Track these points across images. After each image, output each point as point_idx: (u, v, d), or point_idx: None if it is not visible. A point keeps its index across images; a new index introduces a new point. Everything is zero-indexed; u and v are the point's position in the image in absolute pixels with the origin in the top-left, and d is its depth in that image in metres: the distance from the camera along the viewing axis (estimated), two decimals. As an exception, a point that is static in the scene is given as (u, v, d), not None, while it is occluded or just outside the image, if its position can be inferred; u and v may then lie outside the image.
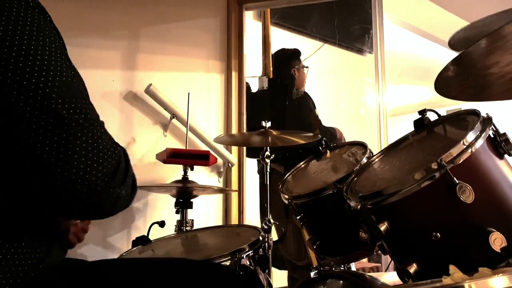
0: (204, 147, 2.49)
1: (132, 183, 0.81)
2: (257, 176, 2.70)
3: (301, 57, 2.96)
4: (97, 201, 0.73)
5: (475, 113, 0.99)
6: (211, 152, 2.52)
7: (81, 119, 0.70)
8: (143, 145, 2.23)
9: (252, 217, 2.76)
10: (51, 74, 0.68)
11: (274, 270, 2.52)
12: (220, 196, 2.64)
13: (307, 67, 2.88)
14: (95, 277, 0.84)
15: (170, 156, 1.93)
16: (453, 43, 1.32)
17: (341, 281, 1.29)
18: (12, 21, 0.66)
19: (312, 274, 1.40)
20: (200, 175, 2.43)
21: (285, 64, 2.89)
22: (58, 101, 0.67)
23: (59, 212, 0.77)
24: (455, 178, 0.83)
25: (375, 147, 2.90)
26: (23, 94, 0.65)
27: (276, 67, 2.94)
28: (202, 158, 1.94)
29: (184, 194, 1.97)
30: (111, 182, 0.73)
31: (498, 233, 0.82)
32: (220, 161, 2.63)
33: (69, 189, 0.69)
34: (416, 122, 1.14)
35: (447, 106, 3.85)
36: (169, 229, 1.89)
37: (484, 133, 0.89)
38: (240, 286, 1.00)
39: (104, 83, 2.15)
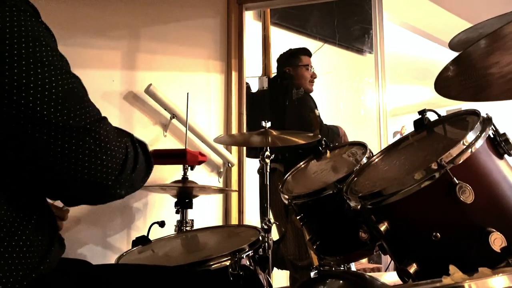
0: (204, 147, 2.49)
1: (147, 164, 0.84)
2: (257, 176, 2.70)
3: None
4: (109, 194, 0.76)
5: (475, 113, 0.99)
6: (211, 151, 2.53)
7: (81, 124, 0.70)
8: (143, 145, 2.23)
9: (252, 217, 2.76)
10: (46, 87, 0.67)
11: (274, 270, 2.52)
12: (220, 196, 2.64)
13: (307, 65, 2.84)
14: (96, 281, 0.85)
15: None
16: (453, 45, 1.32)
17: (341, 281, 1.30)
18: None
19: (312, 274, 1.40)
20: (200, 175, 2.43)
21: (281, 64, 2.90)
22: (55, 111, 0.68)
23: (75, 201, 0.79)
24: (455, 178, 0.83)
25: (375, 147, 2.90)
26: (15, 110, 0.65)
27: (277, 67, 2.95)
28: (179, 157, 1.92)
29: (184, 194, 1.97)
30: (121, 175, 0.75)
31: (498, 233, 0.82)
32: (220, 161, 2.63)
33: (78, 189, 0.73)
34: (416, 122, 1.14)
35: (447, 106, 3.86)
36: (169, 229, 1.89)
37: (484, 133, 0.89)
38: None
39: (104, 83, 2.15)
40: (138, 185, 0.84)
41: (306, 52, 2.89)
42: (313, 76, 2.86)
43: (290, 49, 2.93)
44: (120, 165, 0.75)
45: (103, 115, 0.77)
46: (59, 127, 0.68)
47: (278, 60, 2.94)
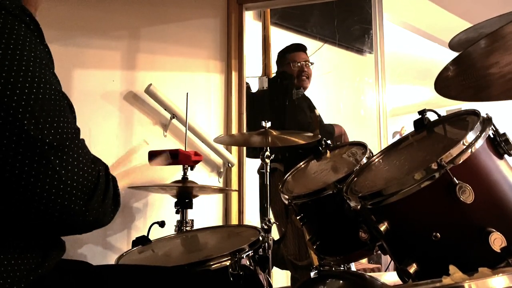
0: (204, 147, 2.49)
1: (114, 200, 0.79)
2: (257, 176, 2.70)
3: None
4: (72, 223, 0.71)
5: (475, 113, 0.99)
6: (211, 151, 2.53)
7: (55, 141, 0.67)
8: (143, 145, 2.23)
9: (252, 217, 2.76)
10: (25, 92, 0.64)
11: (275, 270, 2.52)
12: (220, 196, 2.64)
13: (291, 62, 2.77)
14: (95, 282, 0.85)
15: (150, 158, 1.92)
16: (453, 45, 1.32)
17: (341, 281, 1.30)
18: None
19: (312, 274, 1.40)
20: (200, 175, 2.43)
21: (277, 65, 2.88)
22: (30, 122, 0.64)
23: (38, 229, 0.74)
24: (455, 178, 0.83)
25: (375, 147, 2.90)
26: None
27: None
28: (172, 158, 1.92)
29: (184, 194, 1.97)
30: (87, 205, 0.70)
31: (498, 233, 0.82)
32: (220, 161, 2.63)
33: (42, 211, 0.67)
34: (416, 122, 1.14)
35: (447, 106, 3.86)
36: (169, 229, 1.89)
37: (484, 133, 0.89)
38: None
39: (104, 83, 2.15)
40: (106, 219, 0.78)
41: (293, 49, 2.83)
42: (301, 69, 2.75)
43: (283, 47, 2.92)
44: (89, 191, 0.71)
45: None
46: (21, 138, 0.64)
47: (276, 62, 2.94)
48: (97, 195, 0.72)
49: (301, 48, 2.85)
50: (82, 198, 0.70)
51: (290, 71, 2.77)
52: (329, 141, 1.64)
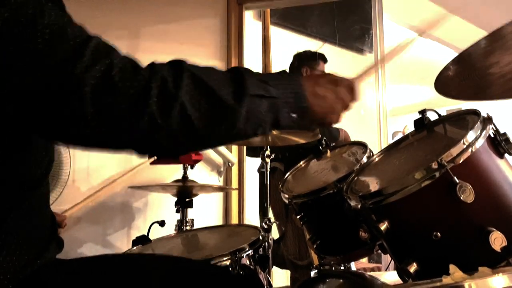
0: (204, 147, 2.49)
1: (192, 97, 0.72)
2: (257, 175, 2.69)
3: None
4: (142, 129, 0.69)
5: (475, 112, 0.99)
6: (211, 150, 2.53)
7: (69, 48, 0.67)
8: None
9: (253, 217, 2.76)
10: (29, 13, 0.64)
11: (274, 270, 2.52)
12: (220, 196, 2.64)
13: (322, 71, 2.81)
14: (93, 272, 0.84)
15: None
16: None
17: (341, 280, 1.30)
18: None
19: (312, 273, 1.40)
20: (200, 175, 2.43)
21: (300, 61, 2.81)
22: (36, 40, 0.63)
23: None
24: (455, 178, 0.83)
25: (375, 147, 2.91)
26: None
27: (293, 63, 2.88)
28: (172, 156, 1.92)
29: (184, 193, 1.97)
30: (138, 104, 0.68)
31: (498, 232, 0.82)
32: (220, 160, 2.63)
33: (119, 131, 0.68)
34: (416, 122, 1.14)
35: (447, 106, 3.85)
36: (169, 229, 1.90)
37: (484, 133, 0.89)
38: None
39: (104, 83, 2.15)
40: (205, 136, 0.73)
41: (324, 59, 2.84)
42: None
43: (310, 50, 2.89)
44: (137, 96, 0.69)
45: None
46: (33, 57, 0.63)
47: (297, 57, 2.86)
48: (154, 92, 0.70)
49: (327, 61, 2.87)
50: (133, 97, 0.68)
51: None
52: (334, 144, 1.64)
